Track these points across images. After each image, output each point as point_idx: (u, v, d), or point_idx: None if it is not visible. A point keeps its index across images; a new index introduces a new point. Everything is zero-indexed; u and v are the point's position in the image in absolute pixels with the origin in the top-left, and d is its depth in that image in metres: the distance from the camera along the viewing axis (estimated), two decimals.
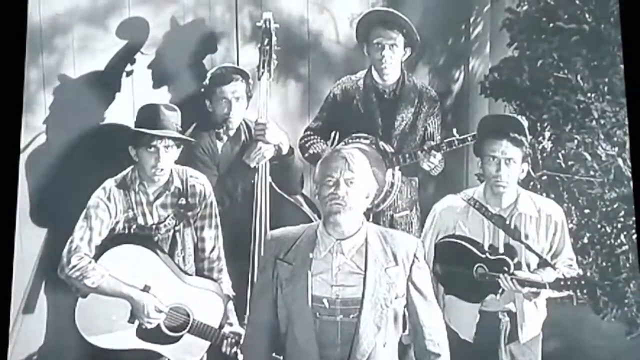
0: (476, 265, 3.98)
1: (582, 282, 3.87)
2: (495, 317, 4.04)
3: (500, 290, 3.95)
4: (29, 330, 4.56)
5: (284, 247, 3.38)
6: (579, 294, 3.91)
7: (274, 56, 4.40)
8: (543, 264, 3.99)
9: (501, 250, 3.98)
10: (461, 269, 3.97)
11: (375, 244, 3.35)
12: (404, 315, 3.42)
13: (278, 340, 3.39)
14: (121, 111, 4.55)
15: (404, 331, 3.42)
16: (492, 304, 4.03)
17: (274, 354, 3.42)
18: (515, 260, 3.95)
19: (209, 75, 4.45)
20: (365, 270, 3.32)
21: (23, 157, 4.44)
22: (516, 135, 3.95)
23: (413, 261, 3.37)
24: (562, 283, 3.88)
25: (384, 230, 3.44)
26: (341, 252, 3.32)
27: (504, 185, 3.96)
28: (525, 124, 4.35)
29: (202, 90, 4.45)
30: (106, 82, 4.61)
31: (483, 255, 3.97)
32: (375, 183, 3.40)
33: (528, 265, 3.99)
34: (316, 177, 3.35)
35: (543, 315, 4.10)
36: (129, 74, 4.65)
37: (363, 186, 3.32)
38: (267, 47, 4.40)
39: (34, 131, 4.50)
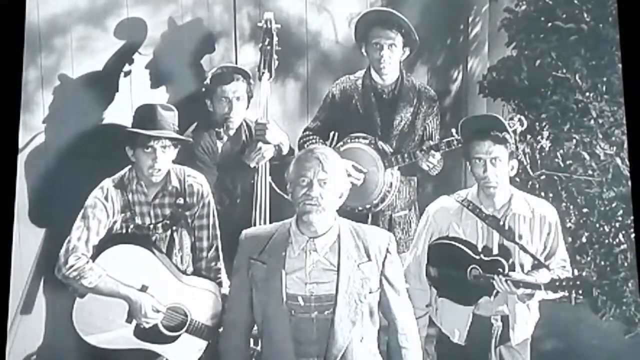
0: (470, 267, 3.97)
1: (578, 283, 3.86)
2: (488, 320, 4.03)
3: (494, 292, 3.94)
4: (27, 330, 4.56)
5: (257, 246, 3.42)
6: (574, 294, 3.90)
7: (274, 56, 4.40)
8: (537, 265, 3.98)
9: (495, 251, 3.97)
10: (455, 271, 3.96)
11: (347, 241, 3.39)
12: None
13: (253, 339, 3.46)
14: (120, 111, 4.56)
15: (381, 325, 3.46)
16: (485, 307, 4.02)
17: (252, 345, 3.47)
18: (510, 261, 3.94)
19: (209, 75, 4.45)
20: (338, 267, 3.36)
21: (22, 157, 4.45)
22: (497, 133, 3.94)
23: (386, 256, 3.41)
24: (557, 284, 3.87)
25: (356, 225, 3.48)
26: (314, 249, 3.36)
27: (493, 185, 3.94)
28: (525, 124, 4.38)
29: (203, 89, 4.45)
30: (104, 83, 4.61)
31: (477, 257, 3.96)
32: (348, 182, 3.44)
33: (522, 267, 3.98)
34: (290, 176, 3.39)
35: (535, 318, 4.09)
36: (127, 74, 4.65)
37: (336, 186, 3.37)
38: (268, 47, 4.39)
39: (31, 131, 4.51)
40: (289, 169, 3.40)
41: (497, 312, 4.03)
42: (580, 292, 3.89)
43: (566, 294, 3.93)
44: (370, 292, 3.37)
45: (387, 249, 3.41)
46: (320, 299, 3.33)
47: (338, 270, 3.34)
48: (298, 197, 3.33)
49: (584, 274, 4.16)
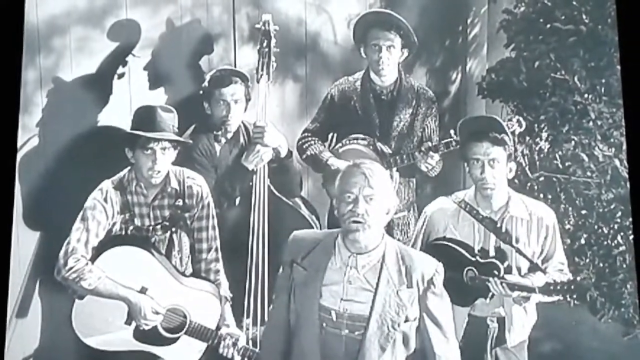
0: (466, 269, 3.96)
1: (572, 287, 3.85)
2: (484, 321, 4.02)
3: (490, 294, 3.93)
4: (24, 333, 4.54)
5: (302, 251, 3.33)
6: (569, 298, 3.89)
7: (272, 58, 4.38)
8: (534, 268, 3.98)
9: (492, 253, 3.96)
10: (451, 273, 3.92)
11: (391, 263, 3.28)
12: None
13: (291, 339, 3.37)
14: (117, 113, 4.54)
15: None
16: (481, 308, 4.01)
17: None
18: (506, 264, 3.93)
19: (208, 77, 4.44)
20: (376, 289, 3.26)
21: (17, 159, 4.43)
22: (496, 135, 3.93)
23: (429, 286, 3.29)
24: (552, 287, 3.86)
25: (404, 249, 3.36)
26: (355, 266, 3.27)
27: (491, 187, 3.93)
28: (523, 125, 4.37)
29: (201, 92, 4.44)
30: (99, 85, 4.59)
31: (473, 259, 3.95)
32: (396, 198, 3.34)
33: (519, 269, 3.97)
34: (335, 192, 3.29)
35: (532, 320, 4.08)
36: (121, 76, 4.64)
37: (383, 202, 3.25)
38: (266, 50, 4.38)
39: (30, 132, 4.49)
40: (334, 184, 3.30)
41: (493, 313, 4.02)
42: (574, 296, 3.89)
43: (561, 298, 3.92)
44: (406, 321, 3.26)
45: (432, 280, 3.28)
46: (352, 318, 3.24)
47: (375, 293, 3.24)
48: (343, 213, 3.22)
49: (579, 278, 4.14)
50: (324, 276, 3.27)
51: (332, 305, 3.26)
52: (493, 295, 3.94)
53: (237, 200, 4.40)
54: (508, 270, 3.94)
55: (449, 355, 3.33)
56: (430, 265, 3.33)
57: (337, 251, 3.29)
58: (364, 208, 3.21)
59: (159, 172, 3.97)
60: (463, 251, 3.97)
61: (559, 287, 3.86)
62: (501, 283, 3.89)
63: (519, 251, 3.96)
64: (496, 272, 3.91)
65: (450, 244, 3.99)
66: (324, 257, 3.29)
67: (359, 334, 3.25)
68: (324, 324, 3.26)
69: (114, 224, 3.99)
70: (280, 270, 3.44)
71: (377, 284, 3.26)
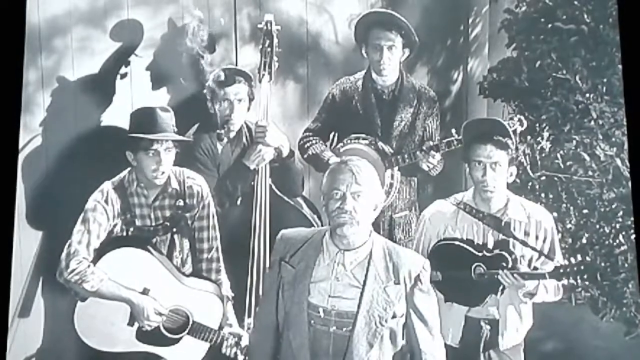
0: (474, 265, 3.94)
1: (582, 267, 3.80)
2: (479, 323, 4.00)
3: (500, 288, 3.91)
4: (26, 333, 4.55)
5: (291, 249, 3.33)
6: (579, 280, 3.86)
7: (275, 58, 4.38)
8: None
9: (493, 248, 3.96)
10: (459, 272, 3.93)
11: (378, 260, 3.28)
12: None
13: (279, 339, 3.36)
14: (120, 113, 4.53)
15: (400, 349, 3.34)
16: (476, 309, 3.99)
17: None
18: (513, 256, 3.91)
19: (211, 76, 4.44)
20: (363, 285, 3.26)
21: (19, 159, 4.43)
22: (500, 138, 3.91)
23: (416, 283, 3.28)
24: (562, 271, 3.83)
25: (391, 245, 3.35)
26: (342, 263, 3.27)
27: (491, 190, 3.91)
28: (525, 124, 4.37)
29: (205, 91, 4.44)
30: (101, 85, 4.59)
31: (480, 254, 3.93)
32: (383, 194, 3.34)
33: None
34: (323, 188, 3.29)
35: (528, 325, 4.05)
36: (123, 76, 4.64)
37: (370, 198, 3.25)
38: (269, 49, 4.38)
39: (32, 132, 4.50)
40: (322, 181, 3.30)
41: (487, 315, 4.00)
42: (585, 277, 3.85)
43: (571, 280, 3.86)
44: (393, 317, 3.25)
45: (419, 277, 3.27)
46: (340, 315, 3.24)
47: (362, 289, 3.24)
48: (331, 210, 3.22)
49: (587, 258, 4.12)
50: (313, 273, 3.27)
51: (320, 302, 3.26)
52: (504, 289, 3.91)
53: (239, 200, 4.40)
54: (515, 261, 3.91)
55: (435, 352, 3.33)
56: (417, 262, 3.32)
57: (325, 248, 3.29)
58: (351, 205, 3.21)
59: (163, 172, 3.96)
60: (469, 247, 3.94)
61: (568, 270, 3.83)
62: (512, 274, 3.87)
63: (524, 243, 3.93)
64: (504, 264, 3.89)
65: (455, 242, 3.97)
66: (313, 254, 3.29)
67: (346, 331, 3.25)
68: (312, 321, 3.26)
69: (115, 225, 3.98)
70: (268, 270, 3.44)
71: (365, 281, 3.25)
